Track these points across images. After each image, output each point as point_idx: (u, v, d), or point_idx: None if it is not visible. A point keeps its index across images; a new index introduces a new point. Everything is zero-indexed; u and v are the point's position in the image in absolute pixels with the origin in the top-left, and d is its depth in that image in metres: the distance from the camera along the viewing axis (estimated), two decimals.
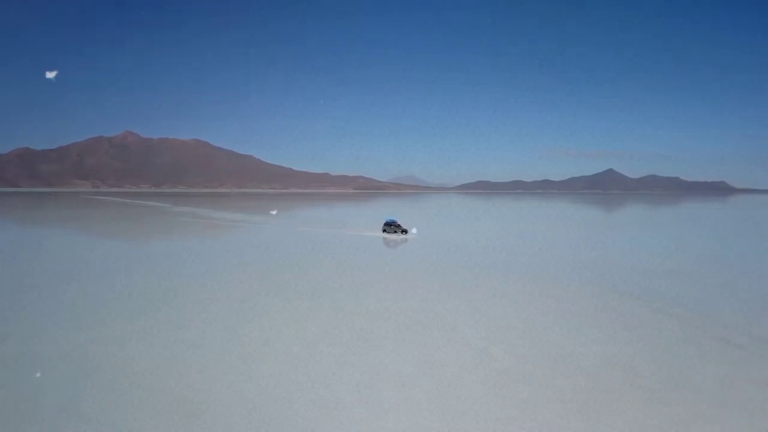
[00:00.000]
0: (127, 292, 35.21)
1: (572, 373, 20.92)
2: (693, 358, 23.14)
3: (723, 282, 42.51)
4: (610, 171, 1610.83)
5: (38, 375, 20.35)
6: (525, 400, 18.43)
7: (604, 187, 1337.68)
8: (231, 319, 28.39)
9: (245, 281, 39.85)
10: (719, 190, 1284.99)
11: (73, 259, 52.99)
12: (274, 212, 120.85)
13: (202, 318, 28.69)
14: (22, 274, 43.00)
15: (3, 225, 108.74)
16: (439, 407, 17.86)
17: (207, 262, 50.66)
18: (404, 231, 77.65)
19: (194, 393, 18.80)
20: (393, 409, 17.74)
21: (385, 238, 74.50)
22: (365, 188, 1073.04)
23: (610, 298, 35.21)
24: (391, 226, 79.04)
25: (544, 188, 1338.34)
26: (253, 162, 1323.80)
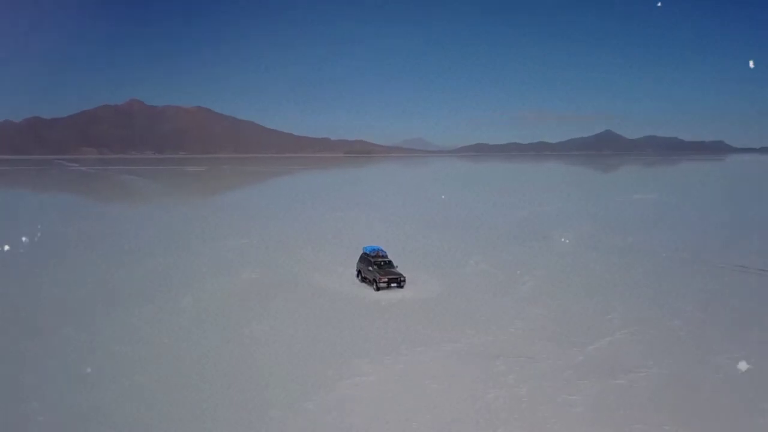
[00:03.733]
0: None
1: None
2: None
3: None
4: (608, 132, 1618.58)
5: None
6: None
7: (600, 149, 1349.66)
8: None
9: None
10: (718, 150, 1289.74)
11: None
12: None
13: None
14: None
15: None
16: None
17: None
18: (397, 281, 37.14)
19: None
20: None
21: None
22: (361, 152, 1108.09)
23: None
24: (370, 266, 37.98)
25: (538, 150, 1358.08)
26: (253, 128, 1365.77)
